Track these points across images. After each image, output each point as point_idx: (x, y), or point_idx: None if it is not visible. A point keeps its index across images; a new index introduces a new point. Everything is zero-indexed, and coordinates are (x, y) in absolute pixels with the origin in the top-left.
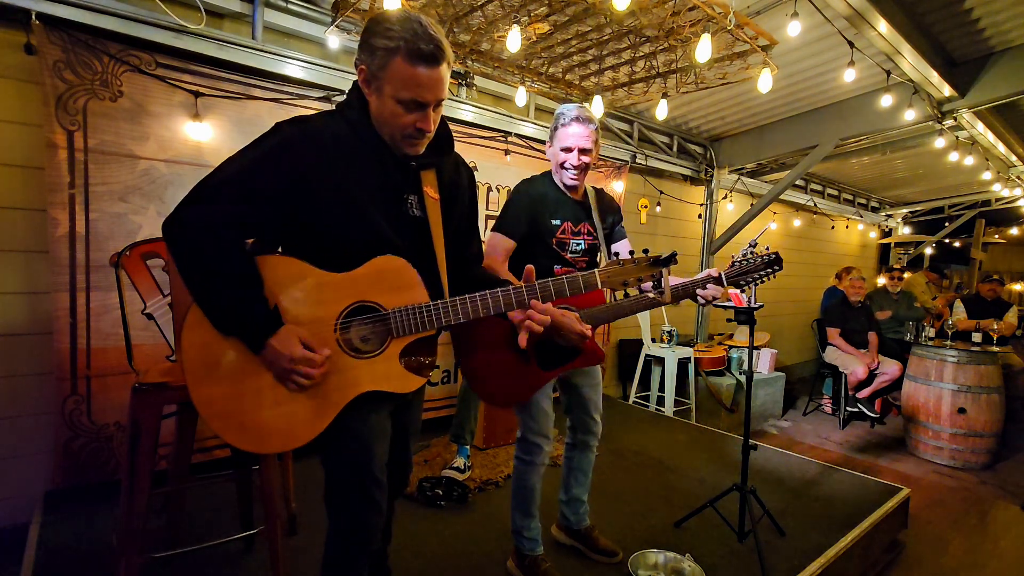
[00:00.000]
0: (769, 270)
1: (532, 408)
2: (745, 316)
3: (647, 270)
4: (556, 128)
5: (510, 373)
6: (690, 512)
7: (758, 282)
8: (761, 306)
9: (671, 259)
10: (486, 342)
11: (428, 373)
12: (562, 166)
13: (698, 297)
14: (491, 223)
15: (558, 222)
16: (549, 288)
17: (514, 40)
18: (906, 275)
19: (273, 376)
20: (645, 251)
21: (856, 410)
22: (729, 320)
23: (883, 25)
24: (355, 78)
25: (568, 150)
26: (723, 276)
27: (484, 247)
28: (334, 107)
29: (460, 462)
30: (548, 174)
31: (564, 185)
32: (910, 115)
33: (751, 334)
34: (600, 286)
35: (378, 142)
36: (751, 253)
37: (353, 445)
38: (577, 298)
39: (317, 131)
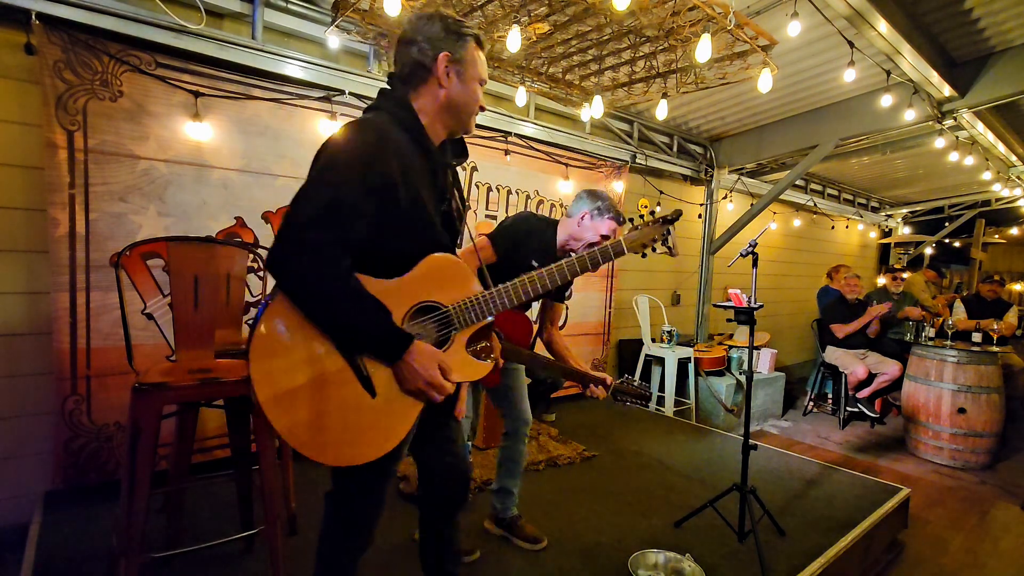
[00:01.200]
0: (641, 403)
1: (505, 391)
2: (745, 316)
3: (658, 230)
4: (603, 216)
5: None
6: (690, 512)
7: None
8: (761, 306)
9: (676, 216)
10: None
11: (492, 356)
12: (590, 246)
13: (587, 390)
14: (490, 222)
15: (536, 264)
16: (585, 260)
17: (514, 40)
18: (906, 275)
19: (402, 382)
20: (652, 212)
21: (856, 410)
22: (729, 320)
23: (883, 25)
24: (357, 77)
25: (605, 238)
26: (611, 386)
27: (471, 244)
28: (374, 108)
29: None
30: (556, 224)
31: (567, 249)
32: (910, 115)
33: (751, 334)
34: (626, 251)
35: (427, 143)
36: (640, 385)
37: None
38: (507, 329)
39: (391, 137)
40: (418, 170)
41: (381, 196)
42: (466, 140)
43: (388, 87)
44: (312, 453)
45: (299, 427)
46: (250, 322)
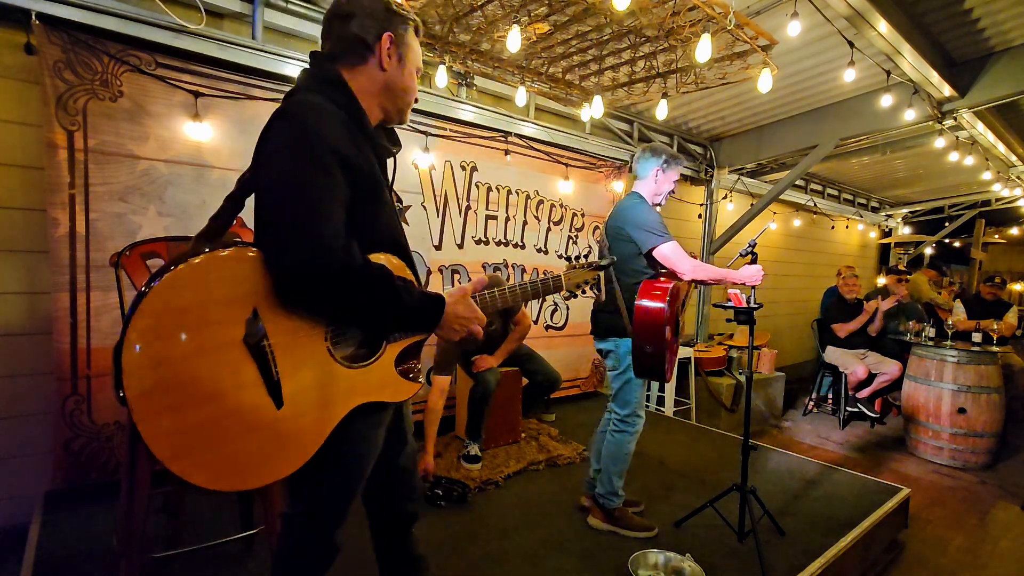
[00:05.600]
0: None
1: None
2: (745, 316)
3: (590, 274)
4: (674, 165)
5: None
6: (690, 512)
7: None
8: (761, 306)
9: (608, 265)
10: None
11: (419, 378)
12: (671, 194)
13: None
14: (491, 223)
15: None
16: (528, 291)
17: (514, 40)
18: (909, 277)
19: (445, 336)
20: (587, 255)
21: (856, 410)
22: (729, 320)
23: (883, 25)
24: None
25: (676, 183)
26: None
27: (666, 259)
28: (303, 90)
29: (475, 449)
30: None
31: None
32: (910, 115)
33: (751, 334)
34: (564, 288)
35: (367, 126)
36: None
37: (353, 469)
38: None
39: (334, 115)
40: (364, 152)
41: (345, 173)
42: (466, 140)
43: (313, 66)
44: (182, 470)
45: (172, 436)
46: None
